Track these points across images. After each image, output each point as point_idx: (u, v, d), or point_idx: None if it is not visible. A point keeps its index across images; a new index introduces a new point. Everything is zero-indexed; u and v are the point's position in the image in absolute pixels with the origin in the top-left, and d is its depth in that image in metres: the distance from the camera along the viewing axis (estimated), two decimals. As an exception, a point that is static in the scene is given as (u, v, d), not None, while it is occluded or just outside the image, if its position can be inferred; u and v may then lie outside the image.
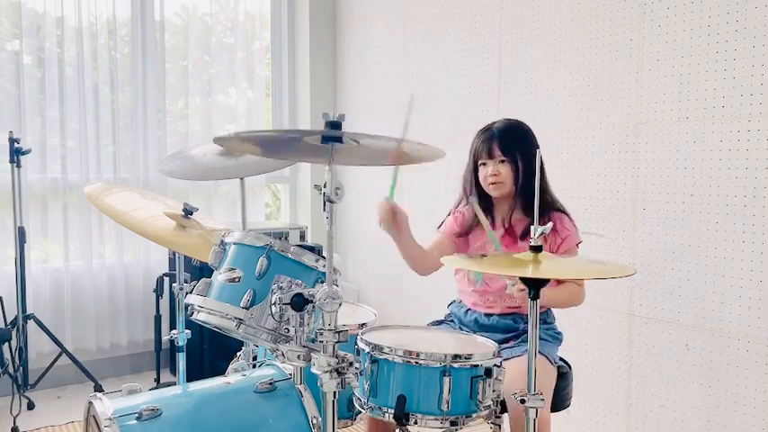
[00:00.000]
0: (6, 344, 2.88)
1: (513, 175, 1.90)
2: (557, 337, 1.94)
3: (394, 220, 1.85)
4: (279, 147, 1.56)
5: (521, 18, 2.82)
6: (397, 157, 1.57)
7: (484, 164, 1.94)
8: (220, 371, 1.99)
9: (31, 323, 3.08)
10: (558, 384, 1.80)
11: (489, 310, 1.93)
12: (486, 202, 1.97)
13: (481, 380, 1.42)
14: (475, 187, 1.97)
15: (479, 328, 1.91)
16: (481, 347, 1.56)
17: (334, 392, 1.34)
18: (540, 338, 1.83)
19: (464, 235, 2.01)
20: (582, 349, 2.59)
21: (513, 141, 1.92)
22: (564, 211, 1.95)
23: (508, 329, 1.89)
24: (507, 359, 1.72)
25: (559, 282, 1.87)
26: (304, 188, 4.12)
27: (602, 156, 2.52)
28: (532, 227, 1.48)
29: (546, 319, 1.95)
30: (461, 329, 1.94)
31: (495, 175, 1.91)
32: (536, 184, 1.50)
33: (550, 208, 1.92)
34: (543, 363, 1.77)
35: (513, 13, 2.86)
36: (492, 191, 1.93)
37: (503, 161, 1.91)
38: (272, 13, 4.06)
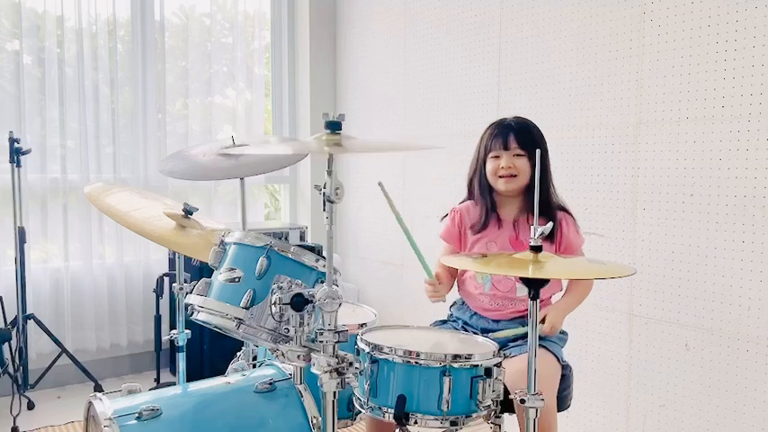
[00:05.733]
0: (6, 344, 2.88)
1: (529, 171, 1.81)
2: (562, 337, 1.93)
3: (444, 290, 1.88)
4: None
5: (521, 18, 2.82)
6: None
7: (496, 156, 1.85)
8: (220, 371, 1.99)
9: (31, 323, 3.08)
10: (558, 385, 1.80)
11: (497, 314, 1.89)
12: (490, 200, 1.90)
13: (481, 380, 1.42)
14: (479, 184, 1.90)
15: (486, 333, 1.89)
16: (481, 347, 1.56)
17: (334, 392, 1.35)
18: (547, 337, 1.82)
19: (461, 234, 1.99)
20: (582, 349, 2.59)
21: (530, 136, 1.85)
22: (569, 212, 1.93)
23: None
24: (515, 356, 1.72)
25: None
26: (304, 188, 4.12)
27: (602, 156, 2.52)
28: (532, 227, 1.47)
29: None
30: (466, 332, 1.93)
31: (509, 167, 1.82)
32: (536, 183, 1.50)
33: (557, 207, 1.91)
34: (550, 359, 1.77)
35: (513, 13, 2.86)
36: (502, 185, 1.84)
37: (519, 155, 1.83)
38: (271, 13, 4.06)
